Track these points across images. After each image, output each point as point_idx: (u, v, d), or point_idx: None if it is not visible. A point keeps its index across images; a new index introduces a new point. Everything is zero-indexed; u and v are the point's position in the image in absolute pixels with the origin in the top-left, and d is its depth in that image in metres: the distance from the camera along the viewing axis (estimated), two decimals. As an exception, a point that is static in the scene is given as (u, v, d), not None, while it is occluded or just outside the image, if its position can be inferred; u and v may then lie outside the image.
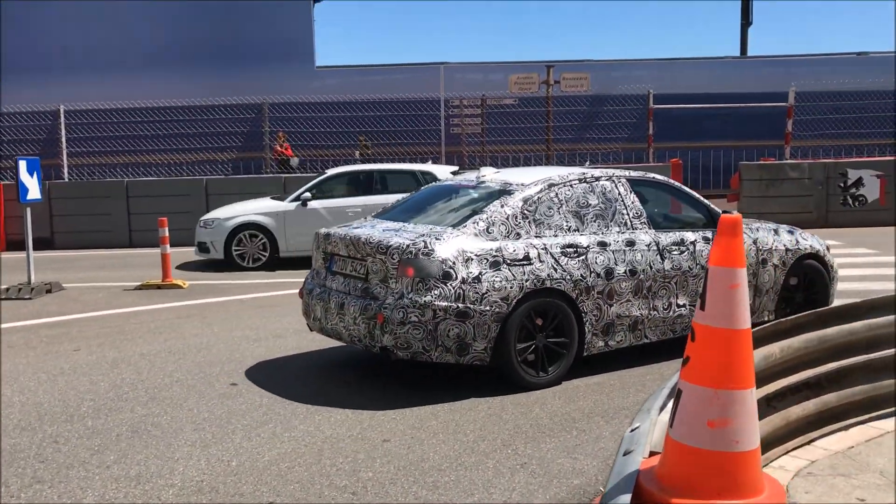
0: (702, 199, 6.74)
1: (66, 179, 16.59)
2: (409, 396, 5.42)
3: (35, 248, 14.20)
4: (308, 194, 11.78)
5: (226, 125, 17.22)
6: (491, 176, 6.37)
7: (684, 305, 6.24)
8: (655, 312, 6.10)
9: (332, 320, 5.77)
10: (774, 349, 4.03)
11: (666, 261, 6.13)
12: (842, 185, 15.15)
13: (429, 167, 12.39)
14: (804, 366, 4.33)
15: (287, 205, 11.83)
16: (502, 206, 5.73)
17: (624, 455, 3.10)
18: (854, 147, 19.82)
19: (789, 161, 15.90)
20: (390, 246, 5.43)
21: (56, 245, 15.07)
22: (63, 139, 16.81)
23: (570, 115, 18.71)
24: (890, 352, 4.61)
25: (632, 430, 3.36)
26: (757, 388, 4.13)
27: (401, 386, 5.70)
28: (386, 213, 6.50)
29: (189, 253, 12.71)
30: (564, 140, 18.80)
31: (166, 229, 10.10)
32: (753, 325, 6.89)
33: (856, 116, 19.71)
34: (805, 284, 6.98)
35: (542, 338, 5.61)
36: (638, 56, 34.65)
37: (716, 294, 3.02)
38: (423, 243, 5.38)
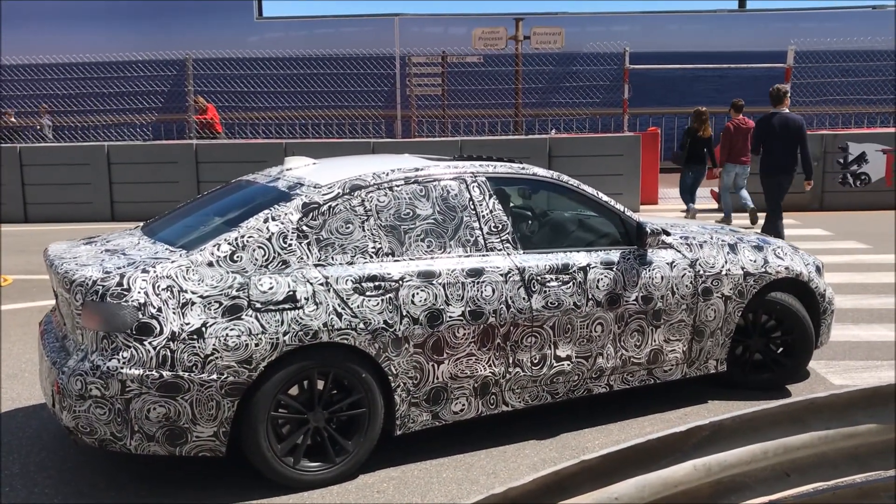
0: (612, 203, 4.71)
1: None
2: (95, 492, 3.62)
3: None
4: None
5: (146, 84, 15.26)
6: (297, 171, 4.45)
7: (567, 358, 4.35)
8: (519, 369, 4.23)
9: (41, 375, 4.07)
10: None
11: (535, 296, 4.22)
12: (841, 161, 13.02)
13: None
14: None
15: None
16: (266, 221, 3.83)
17: None
18: (865, 115, 17.55)
19: (781, 132, 13.72)
20: (74, 280, 3.57)
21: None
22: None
23: (537, 76, 16.56)
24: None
25: None
26: None
27: (115, 471, 3.88)
28: (159, 221, 4.59)
29: (87, 231, 10.80)
30: (531, 104, 16.66)
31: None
32: (688, 379, 4.59)
33: (867, 80, 17.40)
34: (777, 324, 4.98)
35: (320, 415, 3.78)
36: (619, 9, 31.87)
37: None
38: (118, 277, 3.51)
